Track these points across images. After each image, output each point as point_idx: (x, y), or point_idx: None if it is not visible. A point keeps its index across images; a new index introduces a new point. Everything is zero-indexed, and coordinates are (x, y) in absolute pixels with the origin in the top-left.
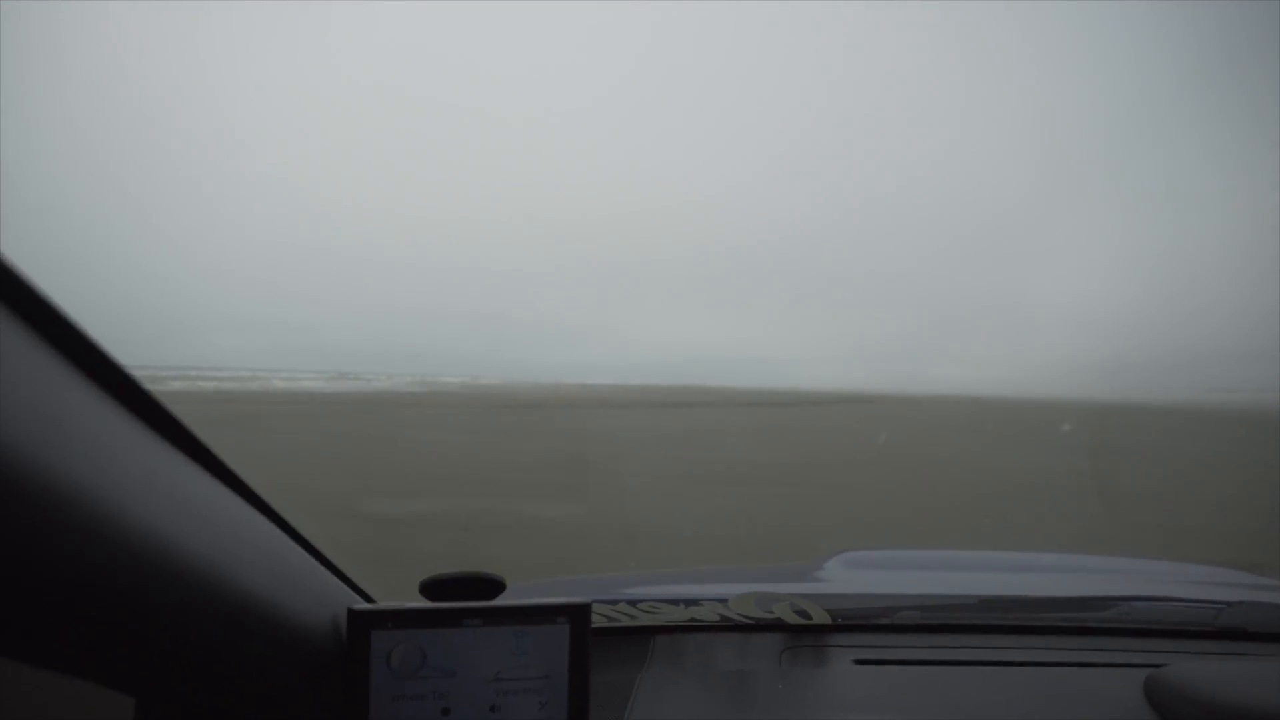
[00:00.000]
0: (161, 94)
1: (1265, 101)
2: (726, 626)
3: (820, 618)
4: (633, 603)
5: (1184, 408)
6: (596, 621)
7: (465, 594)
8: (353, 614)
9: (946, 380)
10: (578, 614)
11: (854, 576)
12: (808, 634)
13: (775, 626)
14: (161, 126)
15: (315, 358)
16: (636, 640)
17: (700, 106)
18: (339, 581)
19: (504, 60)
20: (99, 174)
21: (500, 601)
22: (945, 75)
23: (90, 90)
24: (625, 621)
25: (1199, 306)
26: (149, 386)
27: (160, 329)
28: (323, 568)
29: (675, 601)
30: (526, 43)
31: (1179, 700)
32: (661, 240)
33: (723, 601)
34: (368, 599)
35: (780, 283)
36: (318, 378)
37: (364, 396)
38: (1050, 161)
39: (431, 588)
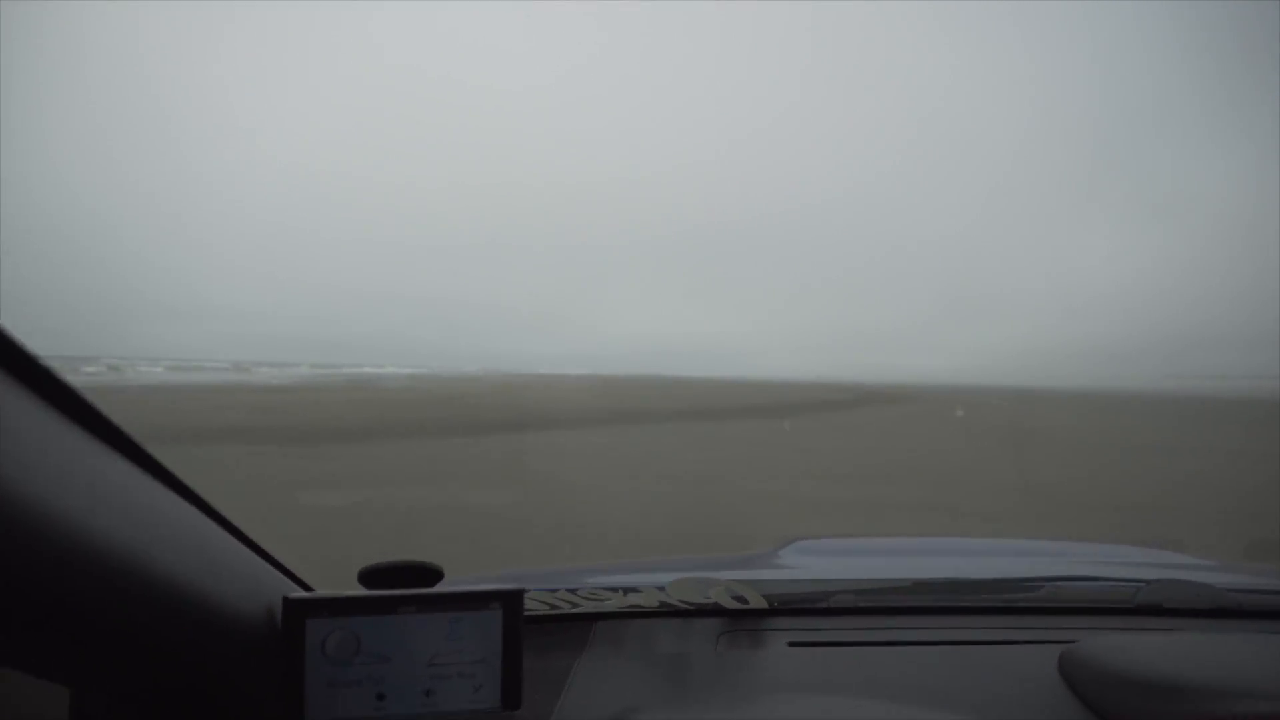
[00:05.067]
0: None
1: (1269, 90)
2: (666, 612)
3: (757, 602)
4: (573, 590)
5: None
6: (537, 609)
7: (403, 582)
8: (288, 602)
9: (934, 370)
10: (510, 599)
11: (799, 563)
12: (745, 618)
13: (713, 611)
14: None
15: (250, 346)
16: (577, 627)
17: (681, 78)
18: (274, 570)
19: (457, 16)
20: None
21: (435, 589)
22: (946, 59)
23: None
24: (565, 608)
25: (1199, 295)
26: (64, 375)
27: (77, 316)
28: (257, 556)
29: (615, 588)
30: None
31: (1090, 673)
32: (632, 217)
33: (662, 588)
34: (305, 587)
35: (765, 265)
36: (225, 368)
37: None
38: (1052, 153)
39: (370, 576)
